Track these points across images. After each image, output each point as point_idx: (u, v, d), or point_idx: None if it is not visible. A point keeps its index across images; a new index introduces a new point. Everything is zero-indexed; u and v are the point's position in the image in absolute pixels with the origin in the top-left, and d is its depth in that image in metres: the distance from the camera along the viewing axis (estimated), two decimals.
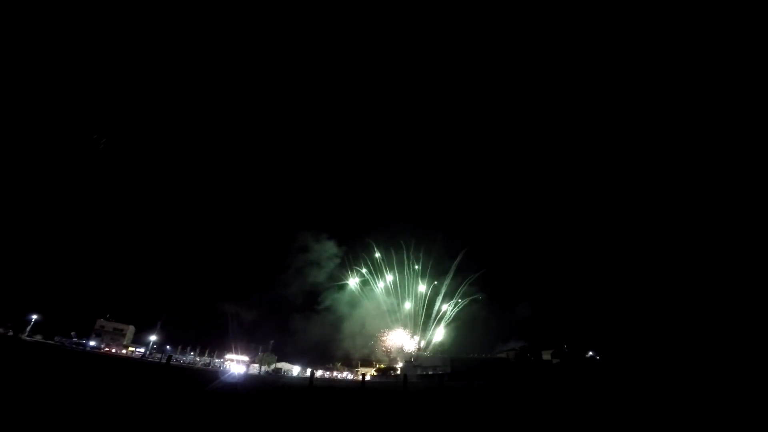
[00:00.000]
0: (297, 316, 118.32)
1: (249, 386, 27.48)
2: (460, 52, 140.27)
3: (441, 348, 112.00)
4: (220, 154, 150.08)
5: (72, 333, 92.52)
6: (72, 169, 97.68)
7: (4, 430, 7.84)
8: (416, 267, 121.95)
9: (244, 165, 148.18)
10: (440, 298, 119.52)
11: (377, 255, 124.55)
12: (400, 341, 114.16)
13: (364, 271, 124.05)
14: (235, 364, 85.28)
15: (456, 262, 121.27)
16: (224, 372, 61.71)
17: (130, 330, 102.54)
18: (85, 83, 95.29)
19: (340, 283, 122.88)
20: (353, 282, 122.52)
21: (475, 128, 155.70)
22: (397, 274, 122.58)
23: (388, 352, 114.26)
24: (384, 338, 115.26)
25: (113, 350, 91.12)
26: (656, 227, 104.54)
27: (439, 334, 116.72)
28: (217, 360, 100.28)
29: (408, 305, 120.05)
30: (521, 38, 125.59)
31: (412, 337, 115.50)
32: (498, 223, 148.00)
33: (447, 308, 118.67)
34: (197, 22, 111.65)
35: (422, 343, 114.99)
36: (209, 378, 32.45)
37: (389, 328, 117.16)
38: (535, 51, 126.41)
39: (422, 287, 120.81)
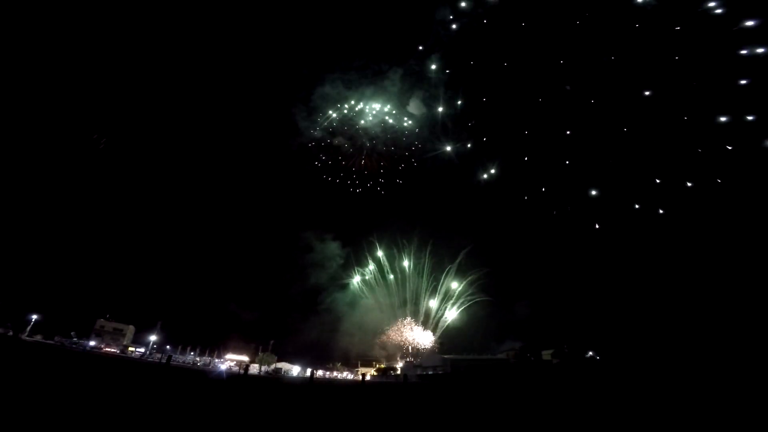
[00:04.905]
0: (297, 316, 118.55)
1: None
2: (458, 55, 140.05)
3: (440, 348, 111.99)
4: (219, 153, 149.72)
5: (72, 333, 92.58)
6: (72, 169, 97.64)
7: (5, 430, 7.82)
8: (416, 264, 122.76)
9: (244, 165, 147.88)
10: (439, 297, 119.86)
11: (379, 254, 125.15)
12: (401, 337, 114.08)
13: (365, 269, 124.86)
14: (218, 362, 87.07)
15: (456, 262, 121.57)
16: (212, 371, 64.82)
17: (130, 330, 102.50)
18: (86, 83, 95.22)
19: (343, 282, 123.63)
20: (356, 279, 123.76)
21: (474, 129, 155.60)
22: (398, 272, 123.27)
23: (386, 349, 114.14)
24: (384, 335, 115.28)
25: (112, 350, 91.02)
26: (656, 226, 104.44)
27: (438, 333, 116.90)
28: (217, 360, 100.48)
29: (408, 304, 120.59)
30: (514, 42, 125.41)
31: (412, 329, 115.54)
32: (499, 223, 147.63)
33: (447, 308, 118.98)
34: (203, 21, 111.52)
35: (422, 340, 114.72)
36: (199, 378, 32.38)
37: (390, 325, 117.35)
38: (531, 52, 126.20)
39: (423, 287, 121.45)
